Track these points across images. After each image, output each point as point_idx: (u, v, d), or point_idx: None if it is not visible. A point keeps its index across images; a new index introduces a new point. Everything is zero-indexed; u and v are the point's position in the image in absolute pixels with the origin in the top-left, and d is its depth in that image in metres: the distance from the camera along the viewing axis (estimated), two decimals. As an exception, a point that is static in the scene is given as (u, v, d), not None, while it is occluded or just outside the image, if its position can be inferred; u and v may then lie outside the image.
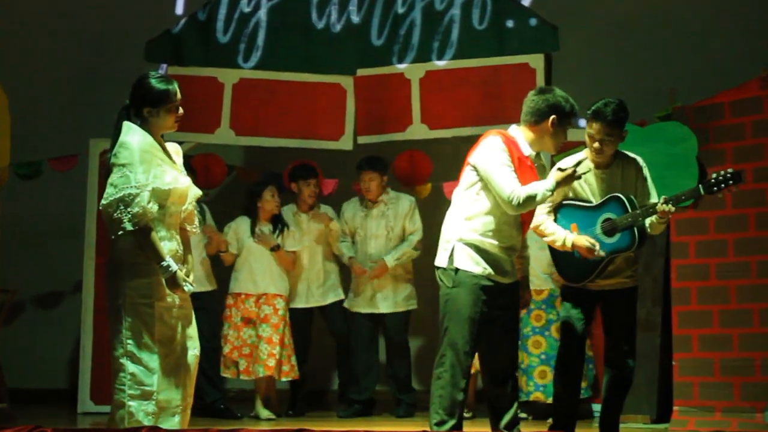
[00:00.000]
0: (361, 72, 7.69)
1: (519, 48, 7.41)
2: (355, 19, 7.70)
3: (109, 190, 4.46)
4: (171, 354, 4.55)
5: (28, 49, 8.93)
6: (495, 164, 4.91)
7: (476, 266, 4.97)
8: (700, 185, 5.14)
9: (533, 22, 7.42)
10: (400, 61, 7.63)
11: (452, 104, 7.52)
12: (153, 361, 4.48)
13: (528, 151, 5.04)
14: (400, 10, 7.66)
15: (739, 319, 6.39)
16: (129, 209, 4.40)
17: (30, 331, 8.66)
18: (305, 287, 7.56)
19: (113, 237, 4.47)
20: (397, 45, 7.64)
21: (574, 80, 7.85)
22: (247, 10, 7.73)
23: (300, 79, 7.72)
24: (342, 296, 7.63)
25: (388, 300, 7.40)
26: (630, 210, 5.16)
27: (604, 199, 5.26)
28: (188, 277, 4.63)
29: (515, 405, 5.19)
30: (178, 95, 4.63)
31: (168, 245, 4.54)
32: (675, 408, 6.50)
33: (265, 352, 7.29)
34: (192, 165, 7.50)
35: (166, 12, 8.40)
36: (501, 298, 5.04)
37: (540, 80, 7.28)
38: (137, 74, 4.69)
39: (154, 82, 4.61)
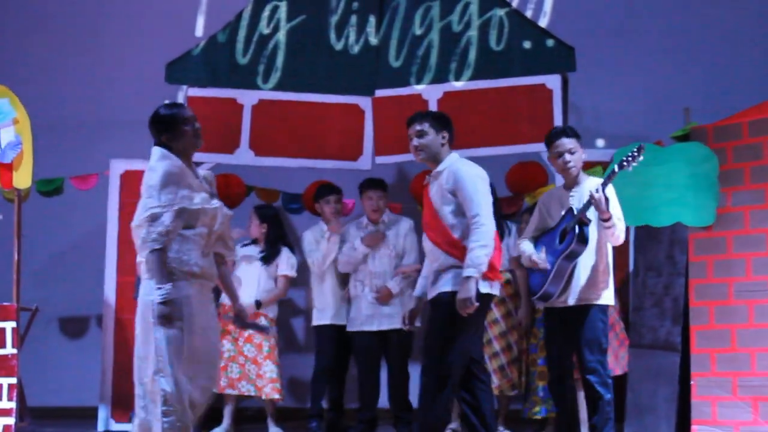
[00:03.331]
0: (379, 93, 7.73)
1: (536, 69, 7.44)
2: (373, 40, 7.76)
3: (138, 211, 4.76)
4: (200, 369, 4.78)
5: (50, 68, 9.03)
6: None
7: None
8: (614, 165, 5.57)
9: (550, 43, 7.46)
10: (418, 82, 7.68)
11: (469, 125, 7.53)
12: (182, 378, 4.66)
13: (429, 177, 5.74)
14: (418, 32, 7.71)
15: (757, 339, 6.38)
16: (152, 228, 4.65)
17: (51, 349, 8.71)
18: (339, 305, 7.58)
19: (143, 257, 4.72)
20: (414, 66, 7.69)
21: (590, 101, 7.90)
22: (266, 31, 7.79)
23: (318, 100, 7.76)
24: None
25: (395, 317, 7.28)
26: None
27: (561, 217, 5.69)
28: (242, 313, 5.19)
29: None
30: (189, 115, 4.90)
31: (201, 263, 4.79)
32: (693, 428, 6.48)
33: (274, 371, 7.34)
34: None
35: (187, 34, 8.46)
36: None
37: (557, 100, 7.32)
38: (157, 95, 4.83)
39: (162, 110, 4.91)
